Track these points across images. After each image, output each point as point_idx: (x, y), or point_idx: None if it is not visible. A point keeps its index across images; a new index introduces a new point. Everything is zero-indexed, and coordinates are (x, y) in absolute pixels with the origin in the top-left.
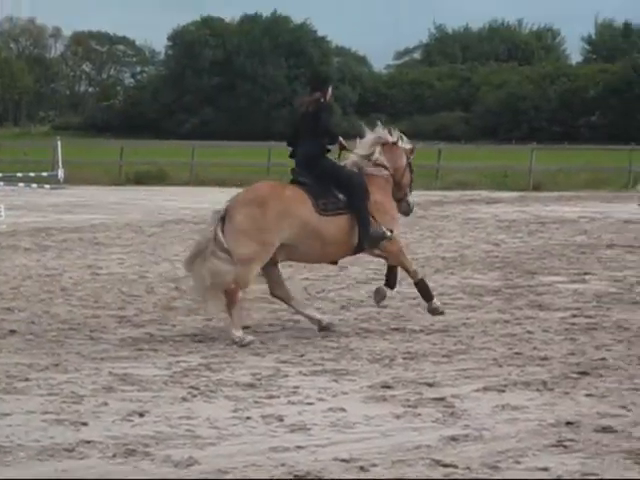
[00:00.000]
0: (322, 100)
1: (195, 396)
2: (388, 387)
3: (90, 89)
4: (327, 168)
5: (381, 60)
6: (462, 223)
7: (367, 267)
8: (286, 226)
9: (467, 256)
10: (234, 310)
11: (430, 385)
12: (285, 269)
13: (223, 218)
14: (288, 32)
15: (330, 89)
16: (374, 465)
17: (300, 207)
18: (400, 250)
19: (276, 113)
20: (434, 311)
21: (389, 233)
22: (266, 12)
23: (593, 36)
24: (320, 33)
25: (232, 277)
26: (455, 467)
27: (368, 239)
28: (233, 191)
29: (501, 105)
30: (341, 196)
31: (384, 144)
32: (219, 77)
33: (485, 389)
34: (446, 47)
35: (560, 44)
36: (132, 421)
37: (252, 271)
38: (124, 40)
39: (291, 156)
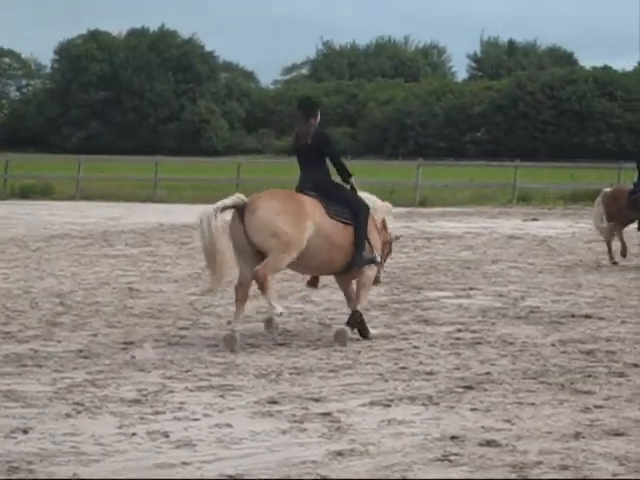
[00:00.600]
0: (324, 133)
1: (80, 412)
2: (274, 402)
3: None
4: (334, 187)
5: (269, 76)
6: None
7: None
8: (308, 224)
9: None
10: (269, 292)
11: (316, 400)
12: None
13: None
14: (175, 47)
15: (319, 113)
16: None
17: (316, 209)
18: (371, 279)
19: (163, 128)
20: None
21: (378, 258)
22: (153, 26)
23: (478, 53)
24: (208, 48)
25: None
26: None
27: (360, 258)
28: (121, 205)
29: (387, 121)
30: (347, 210)
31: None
32: (106, 91)
33: (371, 404)
34: (333, 63)
35: (446, 61)
36: (16, 438)
37: (284, 260)
38: (10, 53)
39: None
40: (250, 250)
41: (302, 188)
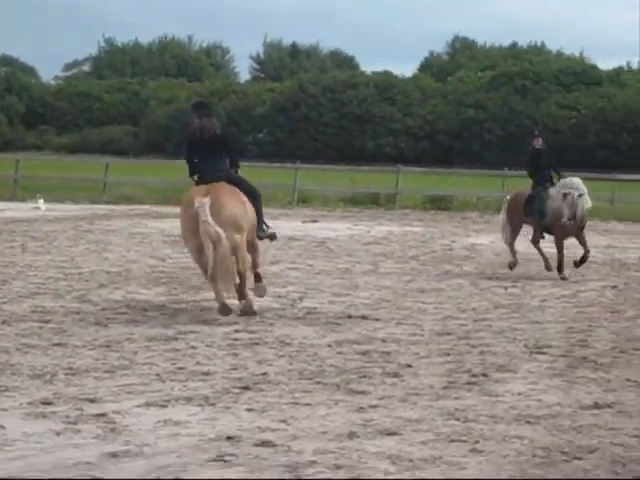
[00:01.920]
0: (218, 130)
1: None
2: (48, 403)
3: None
4: (237, 177)
5: (50, 72)
6: (128, 237)
7: (30, 282)
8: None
9: (132, 271)
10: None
11: (92, 401)
12: None
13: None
14: None
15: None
16: None
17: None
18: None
19: None
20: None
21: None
22: None
23: (262, 55)
24: None
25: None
26: None
27: (263, 232)
28: None
29: (170, 120)
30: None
31: None
32: None
33: (147, 404)
34: (115, 60)
35: (230, 62)
36: None
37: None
38: None
39: (193, 172)
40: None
41: (214, 177)
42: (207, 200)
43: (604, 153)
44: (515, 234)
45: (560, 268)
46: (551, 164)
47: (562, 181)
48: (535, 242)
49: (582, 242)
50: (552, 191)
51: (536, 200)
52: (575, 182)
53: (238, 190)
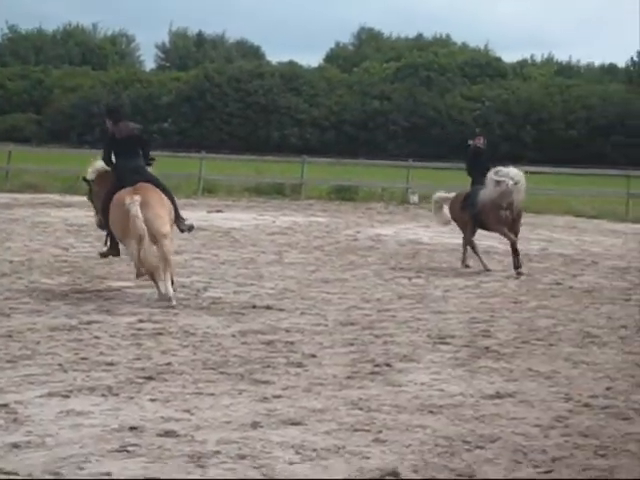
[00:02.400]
0: (137, 130)
1: None
2: None
3: None
4: (151, 175)
5: None
6: (31, 226)
7: None
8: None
9: (35, 260)
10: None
11: None
12: None
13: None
14: None
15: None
16: None
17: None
18: None
19: None
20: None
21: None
22: None
23: (167, 44)
24: None
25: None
26: (16, 474)
27: (185, 226)
28: None
29: (74, 109)
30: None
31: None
32: None
33: (50, 395)
34: (19, 48)
35: (135, 50)
36: None
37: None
38: None
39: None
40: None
41: (132, 176)
42: (138, 198)
43: (508, 145)
44: (472, 232)
45: (517, 264)
46: (489, 163)
47: (495, 169)
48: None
49: (515, 234)
50: (486, 180)
51: (471, 195)
52: (511, 171)
53: (158, 189)
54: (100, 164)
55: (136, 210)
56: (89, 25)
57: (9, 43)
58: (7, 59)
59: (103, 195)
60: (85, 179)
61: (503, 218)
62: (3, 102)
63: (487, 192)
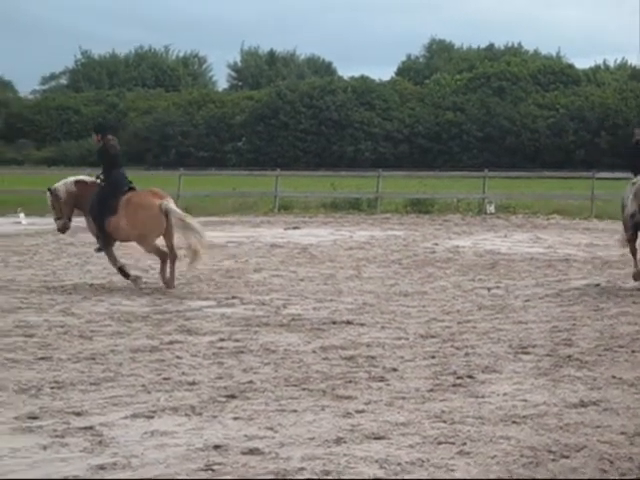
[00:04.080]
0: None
1: None
2: (35, 418)
3: None
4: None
5: (27, 85)
6: None
7: (13, 296)
8: None
9: (115, 282)
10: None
11: (78, 414)
12: None
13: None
14: None
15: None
16: None
17: None
18: None
19: None
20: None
21: None
22: None
23: (239, 63)
24: None
25: None
26: None
27: None
28: None
29: (148, 131)
30: None
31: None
32: None
33: (134, 416)
34: (92, 73)
35: (207, 71)
36: None
37: None
38: None
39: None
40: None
41: (126, 182)
42: (170, 199)
43: (583, 152)
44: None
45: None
46: None
47: None
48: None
49: None
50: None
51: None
52: None
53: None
54: (78, 177)
55: (179, 212)
56: (161, 48)
57: (83, 68)
58: (81, 84)
59: (93, 201)
60: (49, 189)
61: None
62: (79, 127)
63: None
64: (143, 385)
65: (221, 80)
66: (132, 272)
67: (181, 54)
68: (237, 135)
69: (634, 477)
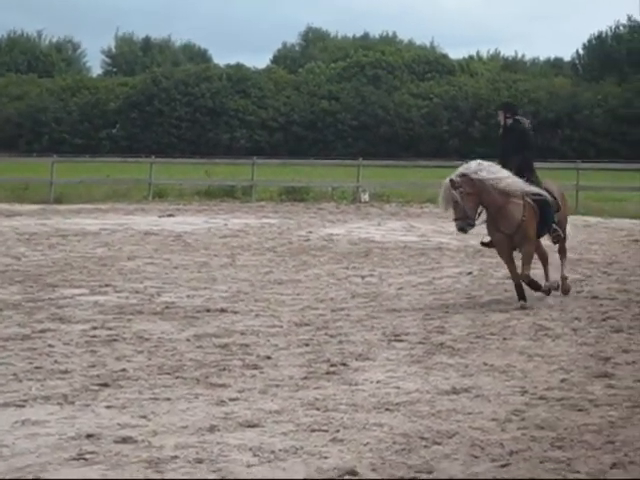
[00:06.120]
0: None
1: None
2: None
3: None
4: None
5: None
6: None
7: None
8: None
9: None
10: None
11: None
12: None
13: None
14: None
15: None
16: None
17: None
18: None
19: None
20: None
21: None
22: None
23: (113, 49)
24: None
25: None
26: None
27: None
28: None
29: (21, 117)
30: None
31: None
32: None
33: (5, 405)
34: None
35: (81, 57)
36: None
37: None
38: None
39: None
40: None
41: None
42: None
43: (457, 141)
44: None
45: None
46: None
47: None
48: None
49: None
50: None
51: None
52: None
53: None
54: None
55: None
56: (34, 33)
57: None
58: None
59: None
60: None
61: None
62: None
63: None
64: (14, 374)
65: (95, 66)
66: None
67: (54, 40)
68: (111, 122)
69: (504, 463)
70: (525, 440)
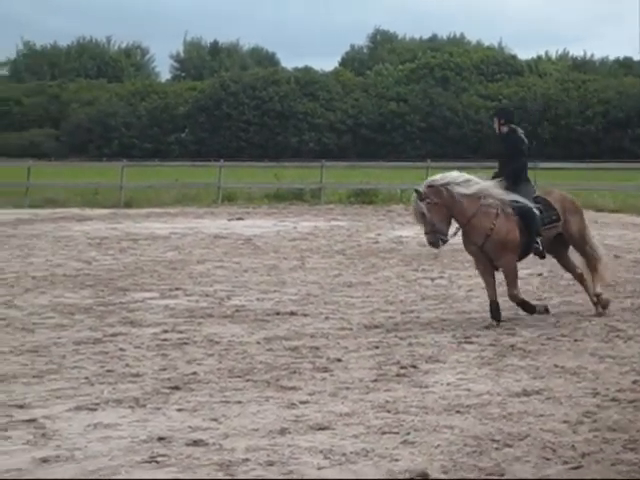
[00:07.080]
0: None
1: None
2: None
3: None
4: None
5: None
6: (53, 241)
7: None
8: None
9: (58, 274)
10: None
11: (21, 407)
12: None
13: None
14: None
15: None
16: None
17: None
18: None
19: None
20: None
21: None
22: None
23: (182, 54)
24: None
25: None
26: None
27: None
28: None
29: (91, 122)
30: None
31: None
32: None
33: (77, 408)
34: (34, 64)
35: (150, 62)
36: None
37: None
38: None
39: None
40: None
41: None
42: None
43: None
44: None
45: None
46: None
47: None
48: None
49: None
50: None
51: None
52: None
53: None
54: None
55: None
56: (103, 38)
57: (24, 59)
58: (23, 75)
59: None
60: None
61: None
62: (21, 118)
63: None
64: (86, 377)
65: (164, 71)
66: None
67: (123, 45)
68: (180, 126)
69: (576, 465)
70: (597, 442)
